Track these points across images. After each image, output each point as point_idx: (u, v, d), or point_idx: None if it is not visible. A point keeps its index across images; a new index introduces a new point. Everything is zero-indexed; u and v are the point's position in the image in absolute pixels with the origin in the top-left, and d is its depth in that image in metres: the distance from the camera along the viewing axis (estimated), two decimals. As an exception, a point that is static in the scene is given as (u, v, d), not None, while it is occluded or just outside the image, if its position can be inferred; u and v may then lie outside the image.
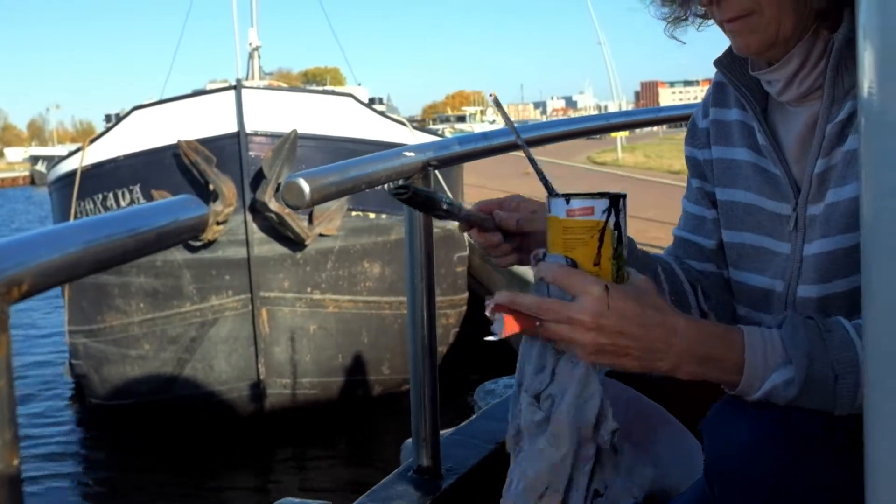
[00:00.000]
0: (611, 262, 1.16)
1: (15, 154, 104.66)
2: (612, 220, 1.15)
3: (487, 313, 1.14)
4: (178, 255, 8.95)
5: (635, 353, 1.10)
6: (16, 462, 0.61)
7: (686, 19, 1.37)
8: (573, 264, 1.14)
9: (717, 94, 1.46)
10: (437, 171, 1.57)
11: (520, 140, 1.36)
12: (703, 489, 1.32)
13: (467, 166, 12.25)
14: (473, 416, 1.91)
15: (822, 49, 1.23)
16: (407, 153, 1.50)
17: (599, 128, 2.42)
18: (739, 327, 1.14)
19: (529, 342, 1.24)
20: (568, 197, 1.16)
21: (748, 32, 1.23)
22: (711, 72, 1.45)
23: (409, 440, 1.65)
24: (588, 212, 1.15)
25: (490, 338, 1.13)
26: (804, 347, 1.10)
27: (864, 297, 0.75)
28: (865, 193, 0.73)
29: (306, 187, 1.27)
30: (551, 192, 1.23)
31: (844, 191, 1.21)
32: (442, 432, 1.66)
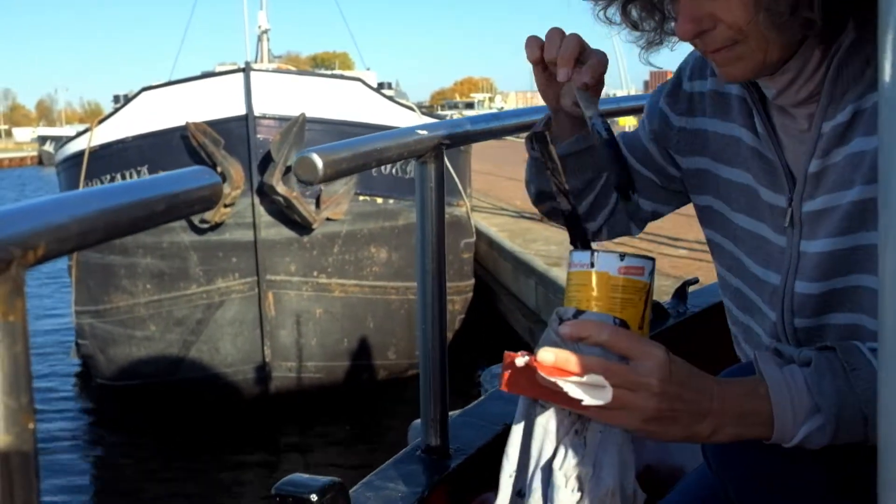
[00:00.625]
0: (648, 326, 1.13)
1: (23, 134, 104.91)
2: (654, 282, 1.12)
3: (518, 362, 1.05)
4: (184, 236, 8.97)
5: (684, 420, 1.07)
6: (31, 426, 0.61)
7: (661, 43, 1.30)
8: (622, 325, 1.09)
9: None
10: (446, 160, 1.56)
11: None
12: (706, 471, 1.32)
13: (475, 154, 12.22)
14: (481, 398, 1.91)
15: (818, 58, 1.18)
16: (419, 131, 1.50)
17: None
18: (764, 379, 1.11)
19: (526, 419, 1.14)
20: (623, 254, 1.11)
21: (734, 61, 1.18)
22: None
23: (417, 420, 1.65)
24: (640, 271, 1.11)
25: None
26: (831, 398, 1.08)
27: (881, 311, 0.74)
28: (883, 193, 0.72)
29: (319, 162, 1.26)
30: (585, 245, 1.17)
31: (848, 194, 1.18)
32: (449, 413, 1.66)
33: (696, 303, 2.49)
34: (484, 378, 3.47)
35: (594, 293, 1.10)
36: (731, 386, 1.11)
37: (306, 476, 1.22)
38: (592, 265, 1.11)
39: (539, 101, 1.48)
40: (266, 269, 8.93)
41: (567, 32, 1.30)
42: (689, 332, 2.38)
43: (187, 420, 9.14)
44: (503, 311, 10.70)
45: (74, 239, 0.70)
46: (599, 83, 1.31)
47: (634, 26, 1.26)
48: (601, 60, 1.27)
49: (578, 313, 1.09)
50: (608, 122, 1.28)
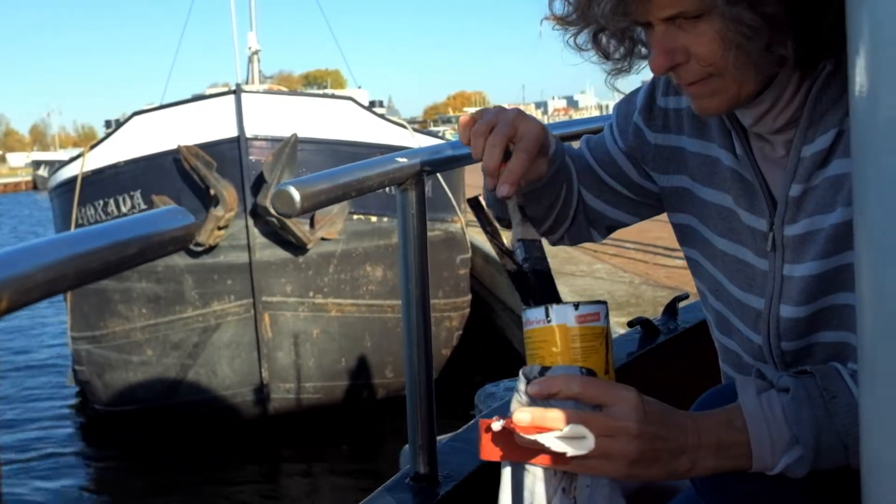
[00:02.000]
0: (613, 369, 1.12)
1: (17, 159, 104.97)
2: (609, 325, 1.12)
3: (495, 427, 1.05)
4: (179, 260, 8.96)
5: (664, 458, 1.06)
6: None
7: (629, 70, 1.28)
8: (589, 373, 1.08)
9: None
10: (440, 177, 1.56)
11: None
12: (693, 498, 1.32)
13: (469, 169, 12.22)
14: (471, 422, 1.90)
15: (795, 86, 1.17)
16: (399, 159, 1.50)
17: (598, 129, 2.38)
18: (739, 410, 1.10)
19: (512, 484, 1.11)
20: (577, 304, 1.10)
21: (709, 95, 1.17)
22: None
23: (406, 447, 1.64)
24: (595, 317, 1.10)
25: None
26: (809, 428, 1.08)
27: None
28: (858, 211, 0.73)
29: (297, 195, 1.26)
30: (537, 301, 1.14)
31: (829, 217, 1.17)
32: (439, 438, 1.65)
33: (686, 318, 2.49)
34: (478, 398, 3.47)
35: (555, 348, 1.09)
36: (706, 419, 1.10)
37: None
38: (549, 320, 1.10)
39: (531, 113, 1.46)
40: (262, 290, 8.92)
41: (496, 114, 1.25)
42: (680, 348, 2.38)
43: (185, 443, 9.11)
44: (501, 325, 10.69)
45: (41, 288, 0.70)
46: (537, 169, 1.30)
47: (604, 55, 1.26)
48: (527, 152, 1.23)
49: (544, 370, 1.08)
50: (530, 244, 1.22)
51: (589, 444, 1.03)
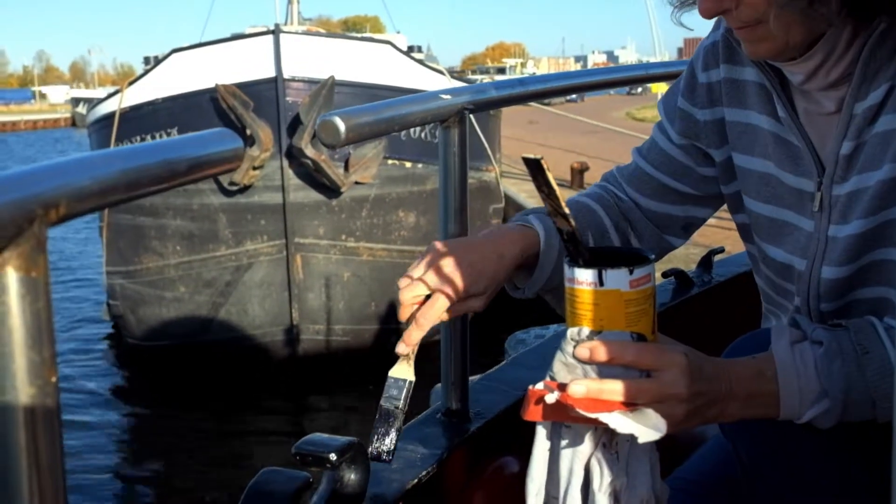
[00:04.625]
0: (657, 325, 1.10)
1: (57, 95, 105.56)
2: (655, 280, 1.09)
3: (549, 399, 1.05)
4: (214, 199, 9.03)
5: (701, 410, 1.08)
6: (53, 379, 0.62)
7: (692, 3, 1.26)
8: (640, 338, 1.07)
9: (728, 48, 1.34)
10: (474, 122, 1.55)
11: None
12: (723, 439, 1.33)
13: (505, 120, 12.15)
14: (502, 363, 1.92)
15: (847, 40, 1.16)
16: (443, 96, 1.49)
17: (601, 83, 2.32)
18: (772, 359, 1.11)
19: (550, 440, 1.11)
20: (631, 268, 1.06)
21: (757, 41, 1.17)
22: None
23: (438, 385, 1.66)
24: (647, 279, 1.07)
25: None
26: (839, 382, 1.08)
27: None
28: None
29: (342, 126, 1.26)
30: (588, 264, 1.08)
31: (876, 174, 1.16)
32: (470, 378, 1.67)
33: (721, 272, 2.48)
34: (508, 344, 3.50)
35: (608, 312, 1.06)
36: (738, 369, 1.11)
37: (326, 436, 1.23)
38: (602, 283, 1.06)
39: (570, 67, 1.45)
40: (294, 231, 8.98)
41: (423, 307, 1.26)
42: (714, 301, 2.37)
43: (215, 381, 9.25)
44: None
45: (95, 198, 0.71)
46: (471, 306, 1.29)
47: None
48: (428, 323, 1.25)
49: (594, 334, 1.07)
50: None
51: (658, 425, 1.03)
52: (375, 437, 1.25)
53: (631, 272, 1.06)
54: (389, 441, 1.25)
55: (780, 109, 1.27)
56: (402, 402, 1.27)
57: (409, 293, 1.25)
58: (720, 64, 1.36)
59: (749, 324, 1.44)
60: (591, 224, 1.44)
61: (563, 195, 1.09)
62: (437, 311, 1.25)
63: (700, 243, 7.59)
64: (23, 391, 0.60)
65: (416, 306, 1.25)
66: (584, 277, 1.07)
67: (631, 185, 1.50)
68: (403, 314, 1.26)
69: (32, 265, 0.61)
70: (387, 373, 1.28)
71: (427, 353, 1.34)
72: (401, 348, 1.27)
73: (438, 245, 1.29)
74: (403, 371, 1.28)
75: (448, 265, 1.25)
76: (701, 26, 1.38)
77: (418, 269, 1.27)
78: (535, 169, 1.03)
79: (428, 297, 1.25)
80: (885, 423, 1.05)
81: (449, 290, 1.24)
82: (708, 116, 1.40)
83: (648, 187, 1.49)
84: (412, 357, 1.29)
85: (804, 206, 1.27)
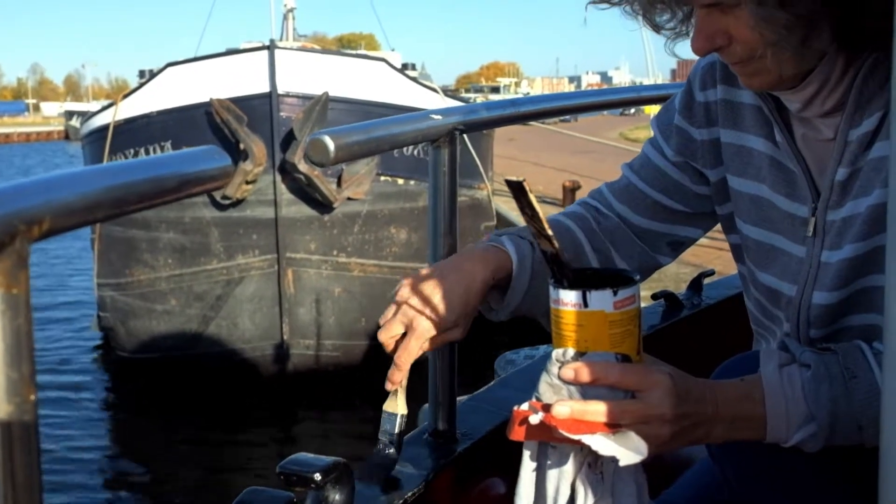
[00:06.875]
0: (642, 346, 1.10)
1: (50, 108, 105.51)
2: (640, 301, 1.09)
3: (533, 420, 1.04)
4: (206, 212, 9.02)
5: (688, 432, 1.08)
6: (32, 397, 0.61)
7: (686, 34, 1.27)
8: (625, 359, 1.06)
9: (725, 69, 1.34)
10: (466, 140, 1.55)
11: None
12: (711, 462, 1.33)
13: (498, 138, 12.17)
14: (490, 384, 1.91)
15: (842, 69, 1.17)
16: (434, 116, 1.49)
17: (590, 105, 2.33)
18: (759, 382, 1.11)
19: (536, 460, 1.11)
20: (615, 289, 1.06)
21: (752, 74, 1.19)
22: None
23: (426, 405, 1.66)
24: (632, 300, 1.07)
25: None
26: (826, 406, 1.08)
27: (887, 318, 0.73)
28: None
29: (331, 144, 1.26)
30: (572, 285, 1.07)
31: (868, 199, 1.17)
32: (458, 398, 1.66)
33: (711, 294, 2.47)
34: (498, 365, 3.47)
35: (592, 333, 1.06)
36: (725, 391, 1.11)
37: (311, 455, 1.23)
38: (586, 304, 1.06)
39: (564, 87, 1.45)
40: (286, 246, 8.97)
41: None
42: (703, 324, 2.37)
43: (203, 395, 9.21)
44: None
45: (81, 214, 0.71)
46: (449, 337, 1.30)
47: (656, 27, 1.26)
48: (406, 364, 1.28)
49: (578, 355, 1.07)
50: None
51: (639, 448, 1.03)
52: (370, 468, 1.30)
53: (615, 293, 1.06)
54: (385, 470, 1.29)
55: (777, 134, 1.27)
56: (395, 435, 1.33)
57: (386, 334, 1.27)
58: (717, 84, 1.37)
59: (738, 347, 1.44)
60: (567, 243, 1.43)
61: (545, 217, 1.08)
62: (412, 350, 1.26)
63: (691, 262, 7.61)
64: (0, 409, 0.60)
65: (395, 342, 1.27)
66: (568, 299, 1.07)
67: (621, 202, 1.49)
68: (387, 350, 1.29)
69: (13, 281, 0.61)
70: (375, 389, 1.31)
71: (416, 372, 1.34)
72: (388, 385, 1.30)
73: (407, 281, 1.29)
74: (395, 405, 1.32)
75: (417, 303, 1.26)
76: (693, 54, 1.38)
77: (391, 309, 1.29)
78: (517, 191, 1.03)
79: (404, 334, 1.27)
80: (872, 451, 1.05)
81: (421, 328, 1.25)
82: (705, 136, 1.40)
83: (639, 204, 1.48)
84: (402, 390, 1.31)
85: (795, 231, 1.27)
